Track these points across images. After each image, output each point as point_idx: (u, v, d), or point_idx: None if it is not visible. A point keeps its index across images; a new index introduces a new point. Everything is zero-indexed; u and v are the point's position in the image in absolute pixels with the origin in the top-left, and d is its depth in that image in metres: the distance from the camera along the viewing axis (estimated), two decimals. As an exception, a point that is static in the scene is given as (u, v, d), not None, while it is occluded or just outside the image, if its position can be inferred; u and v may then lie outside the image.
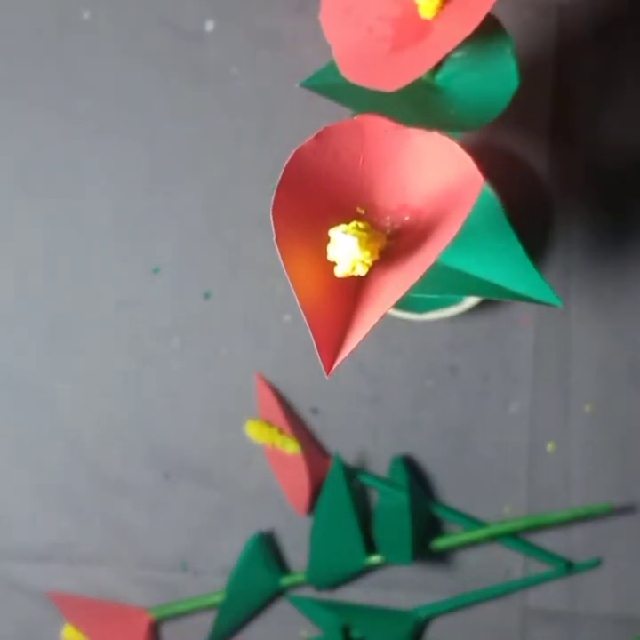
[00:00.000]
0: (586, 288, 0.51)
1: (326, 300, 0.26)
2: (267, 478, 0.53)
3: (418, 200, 0.27)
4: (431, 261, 0.25)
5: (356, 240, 0.25)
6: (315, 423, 0.53)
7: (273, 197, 0.27)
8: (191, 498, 0.53)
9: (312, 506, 0.52)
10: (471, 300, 0.49)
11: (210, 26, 0.52)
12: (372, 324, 0.26)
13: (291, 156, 0.27)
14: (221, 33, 0.52)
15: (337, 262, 0.25)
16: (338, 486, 0.51)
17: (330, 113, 0.52)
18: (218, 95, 0.52)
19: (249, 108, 0.52)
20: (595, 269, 0.52)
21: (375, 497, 0.53)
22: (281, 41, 0.52)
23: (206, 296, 0.53)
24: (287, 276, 0.26)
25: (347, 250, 0.25)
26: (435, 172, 0.27)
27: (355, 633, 0.52)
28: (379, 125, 0.27)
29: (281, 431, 0.52)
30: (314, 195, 0.27)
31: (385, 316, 0.47)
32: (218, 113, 0.52)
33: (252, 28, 0.52)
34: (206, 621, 0.53)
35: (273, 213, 0.26)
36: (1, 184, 0.53)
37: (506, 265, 0.29)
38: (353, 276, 0.26)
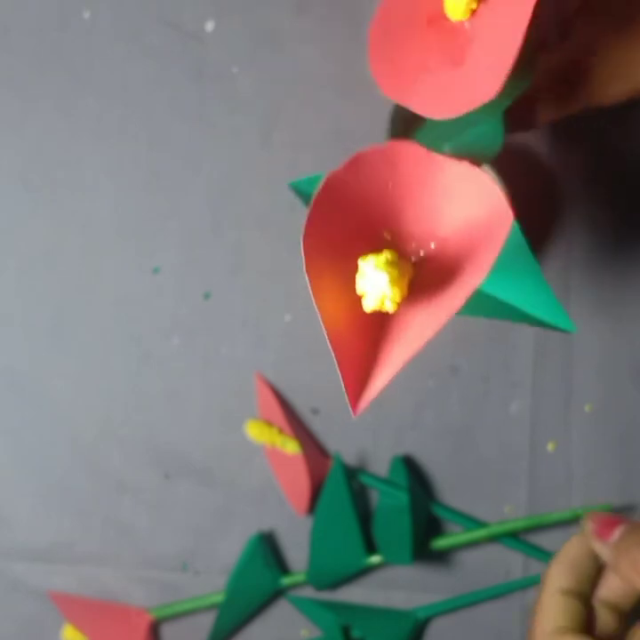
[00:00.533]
0: (586, 288, 0.51)
1: (353, 333, 0.26)
2: (267, 478, 0.53)
3: (445, 228, 0.27)
4: (462, 302, 0.25)
5: (386, 276, 0.24)
6: (315, 423, 0.53)
7: (304, 225, 0.26)
8: (191, 498, 0.53)
9: (312, 506, 0.52)
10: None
11: (210, 26, 0.52)
12: (401, 365, 0.25)
13: (323, 181, 0.26)
14: (221, 33, 0.52)
15: (365, 295, 0.25)
16: (338, 486, 0.51)
17: (330, 113, 0.52)
18: (218, 95, 0.52)
19: (249, 108, 0.52)
20: (595, 269, 0.52)
21: (375, 497, 0.53)
22: (281, 41, 0.52)
23: (206, 296, 0.53)
24: (315, 307, 0.25)
25: (376, 285, 0.24)
26: (464, 203, 0.26)
27: (355, 633, 0.52)
28: (411, 152, 0.27)
29: (281, 431, 0.51)
30: (343, 220, 0.27)
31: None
32: (218, 113, 0.52)
33: (251, 28, 0.52)
34: (206, 621, 0.53)
35: (304, 241, 0.26)
36: (1, 184, 0.53)
37: (525, 289, 0.28)
38: (379, 314, 0.25)
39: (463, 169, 0.27)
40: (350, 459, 0.52)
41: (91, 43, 0.53)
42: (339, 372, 0.25)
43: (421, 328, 0.25)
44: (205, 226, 0.53)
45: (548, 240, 0.51)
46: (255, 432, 0.52)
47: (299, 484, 0.51)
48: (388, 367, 0.25)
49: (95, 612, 0.53)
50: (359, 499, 0.53)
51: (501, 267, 0.29)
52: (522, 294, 0.29)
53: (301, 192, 0.36)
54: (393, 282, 0.24)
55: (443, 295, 0.25)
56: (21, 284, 0.53)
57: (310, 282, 0.26)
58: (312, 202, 0.26)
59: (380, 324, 0.26)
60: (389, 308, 0.25)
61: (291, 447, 0.51)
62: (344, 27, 0.51)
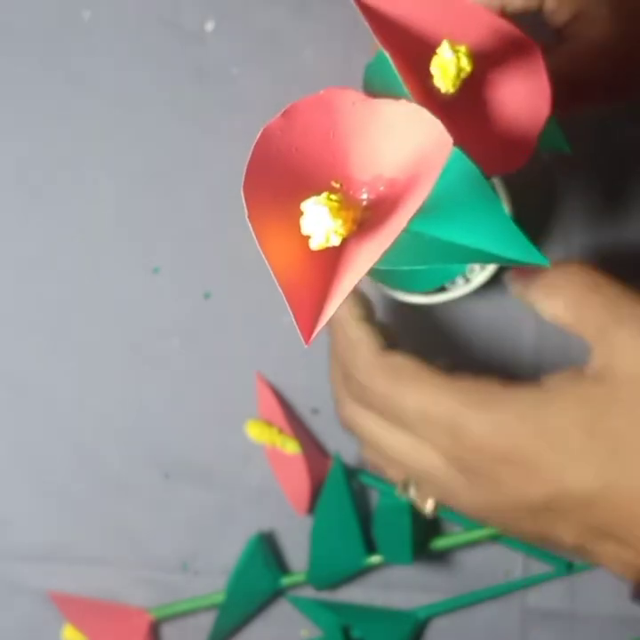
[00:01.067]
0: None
1: (304, 274, 0.26)
2: (267, 478, 0.53)
3: (391, 169, 0.27)
4: (403, 225, 0.25)
5: (326, 209, 0.25)
6: (315, 423, 0.53)
7: (243, 176, 0.27)
8: (191, 498, 0.53)
9: (312, 506, 0.52)
10: (478, 280, 0.48)
11: (210, 26, 0.52)
12: (348, 291, 0.26)
13: (259, 134, 0.27)
14: (221, 33, 0.52)
15: (311, 235, 0.25)
16: (338, 486, 0.51)
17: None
18: (218, 95, 0.52)
19: (249, 108, 0.52)
20: (594, 263, 0.51)
21: (375, 497, 0.53)
22: (281, 41, 0.52)
23: (206, 296, 0.53)
24: (261, 252, 0.26)
25: (318, 220, 0.25)
26: (406, 140, 0.27)
27: (355, 633, 0.52)
28: (346, 98, 0.27)
29: (281, 431, 0.51)
30: (286, 171, 0.27)
31: (387, 297, 0.46)
32: (218, 113, 0.52)
33: (252, 28, 0.52)
34: (206, 621, 0.53)
35: (244, 192, 0.26)
36: (1, 184, 0.53)
37: (492, 231, 0.29)
38: (330, 249, 0.26)
39: (399, 107, 0.27)
40: (350, 459, 0.52)
41: (91, 43, 0.53)
42: (288, 306, 0.26)
43: (368, 255, 0.26)
44: (205, 226, 0.53)
45: (545, 234, 0.51)
46: (255, 432, 0.52)
47: (299, 484, 0.51)
48: (337, 296, 0.26)
49: (95, 612, 0.53)
50: (359, 499, 0.53)
51: (468, 214, 0.29)
52: (487, 236, 0.28)
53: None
54: (334, 213, 0.25)
55: (388, 224, 0.26)
56: (21, 284, 0.53)
57: (253, 228, 0.26)
58: (250, 153, 0.27)
59: (332, 263, 0.27)
60: (335, 241, 0.25)
61: (291, 447, 0.51)
62: (344, 27, 0.51)
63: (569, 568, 0.52)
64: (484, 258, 0.29)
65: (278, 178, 0.27)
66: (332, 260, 0.27)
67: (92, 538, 0.53)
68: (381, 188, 0.27)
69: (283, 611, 0.53)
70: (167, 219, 0.53)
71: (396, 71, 0.29)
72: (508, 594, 0.53)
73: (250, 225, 0.26)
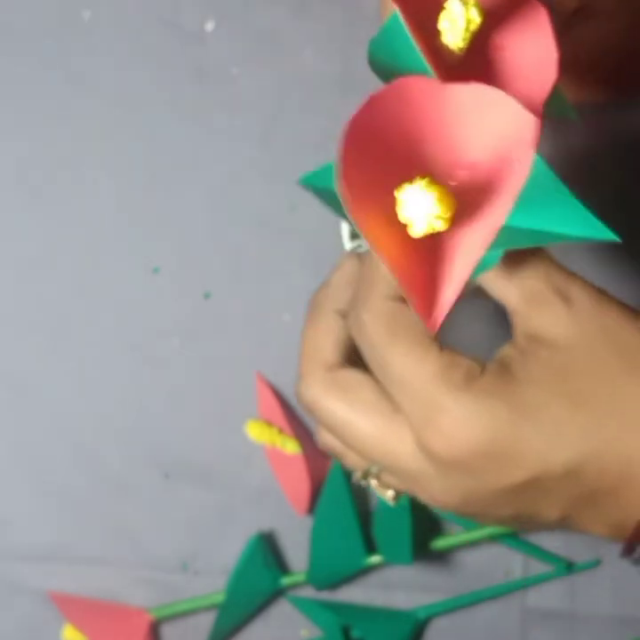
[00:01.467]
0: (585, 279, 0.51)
1: (408, 263, 0.26)
2: (267, 478, 0.53)
3: (472, 154, 0.27)
4: (509, 207, 0.25)
5: (433, 195, 0.25)
6: (315, 423, 0.53)
7: (337, 175, 0.25)
8: (191, 498, 0.53)
9: (312, 506, 0.52)
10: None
11: (210, 26, 0.52)
12: (465, 278, 0.26)
13: (347, 126, 0.26)
14: (221, 33, 0.52)
15: (411, 223, 0.25)
16: (338, 486, 0.51)
17: (330, 114, 0.52)
18: (218, 95, 0.52)
19: (249, 108, 0.52)
20: (594, 260, 0.52)
21: (375, 497, 0.53)
22: (281, 41, 0.52)
23: (206, 296, 0.53)
24: (366, 241, 0.26)
25: (423, 207, 0.25)
26: (484, 122, 0.27)
27: (355, 633, 0.52)
28: (420, 85, 0.27)
29: (281, 431, 0.51)
30: (376, 162, 0.27)
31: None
32: (218, 113, 0.52)
33: (252, 28, 0.52)
34: (206, 621, 0.53)
35: (342, 188, 0.25)
36: (1, 184, 0.53)
37: (556, 211, 0.28)
38: (425, 236, 0.26)
39: (475, 90, 0.27)
40: (350, 459, 0.52)
41: (91, 43, 0.53)
42: (407, 297, 0.26)
43: (471, 246, 0.26)
44: (205, 226, 0.53)
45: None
46: (255, 432, 0.52)
47: (299, 484, 0.52)
48: (454, 283, 0.26)
49: (95, 612, 0.53)
50: (359, 499, 0.53)
51: (528, 198, 0.28)
52: (556, 218, 0.28)
53: (313, 185, 0.35)
54: (439, 199, 0.25)
55: (485, 213, 0.26)
56: (21, 284, 0.53)
57: (359, 225, 0.26)
58: (339, 152, 0.26)
59: (427, 252, 0.27)
60: (440, 226, 0.25)
61: (291, 447, 0.51)
62: (344, 27, 0.52)
63: (569, 568, 0.52)
64: (554, 238, 0.29)
65: (369, 169, 0.27)
66: (427, 246, 0.26)
67: (92, 538, 0.53)
68: (465, 174, 0.27)
69: (283, 611, 0.53)
70: (167, 219, 0.53)
71: (408, 32, 0.29)
72: (507, 594, 0.53)
73: (352, 220, 0.26)
